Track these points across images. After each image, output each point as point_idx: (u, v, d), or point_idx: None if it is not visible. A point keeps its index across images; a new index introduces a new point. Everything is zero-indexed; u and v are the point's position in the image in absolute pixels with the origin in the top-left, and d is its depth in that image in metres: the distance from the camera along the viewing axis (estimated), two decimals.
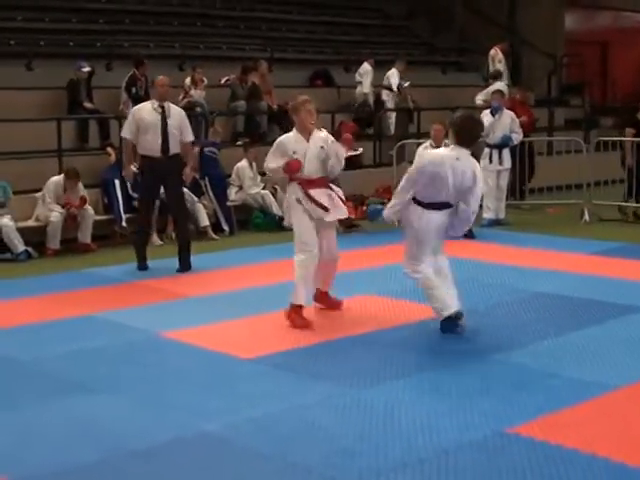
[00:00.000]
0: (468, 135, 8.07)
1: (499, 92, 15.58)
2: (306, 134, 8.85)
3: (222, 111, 16.72)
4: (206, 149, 14.60)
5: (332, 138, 9.01)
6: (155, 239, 13.09)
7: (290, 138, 8.91)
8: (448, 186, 7.97)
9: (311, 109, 8.86)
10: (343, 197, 9.07)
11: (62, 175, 13.03)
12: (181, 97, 16.33)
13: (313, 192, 8.73)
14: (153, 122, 11.05)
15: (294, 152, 8.75)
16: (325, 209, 8.69)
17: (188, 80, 16.57)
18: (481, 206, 14.20)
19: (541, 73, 23.35)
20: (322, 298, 9.18)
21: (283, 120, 16.97)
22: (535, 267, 11.00)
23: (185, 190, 13.69)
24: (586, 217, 14.98)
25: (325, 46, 21.72)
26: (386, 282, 10.34)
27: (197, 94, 16.48)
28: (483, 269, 11.05)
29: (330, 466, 5.29)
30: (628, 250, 12.04)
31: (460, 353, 7.59)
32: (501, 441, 5.64)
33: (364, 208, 15.76)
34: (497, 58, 20.30)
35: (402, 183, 8.26)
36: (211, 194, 14.36)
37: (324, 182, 8.88)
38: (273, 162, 8.87)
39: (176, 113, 11.34)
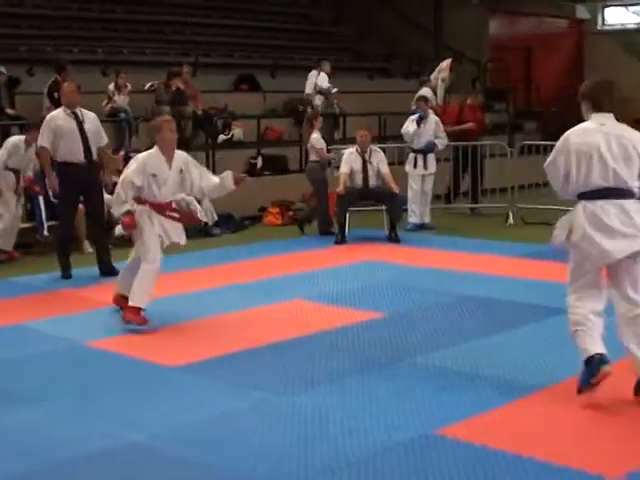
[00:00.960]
0: (604, 95, 6.56)
1: (423, 99, 15.69)
2: (168, 155, 8.71)
3: (146, 117, 16.61)
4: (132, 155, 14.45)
5: (193, 161, 8.95)
6: (86, 246, 12.98)
7: (152, 158, 8.70)
8: (606, 160, 6.30)
9: (174, 129, 8.80)
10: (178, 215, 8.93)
11: (21, 137, 12.88)
12: (105, 103, 16.22)
13: (158, 217, 8.71)
14: (70, 128, 10.89)
15: (154, 175, 8.61)
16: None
17: (112, 85, 16.45)
18: (405, 210, 14.47)
19: (466, 78, 23.54)
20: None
21: (208, 125, 16.96)
22: (460, 270, 11.08)
23: (109, 197, 13.58)
24: (511, 220, 15.14)
25: (251, 51, 21.67)
26: (313, 287, 10.37)
27: (121, 99, 16.37)
28: (408, 273, 11.11)
29: (259, 473, 5.27)
30: (552, 253, 12.11)
31: (385, 357, 7.60)
32: (427, 443, 5.67)
33: (290, 213, 15.80)
34: (442, 75, 20.39)
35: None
36: None
37: (172, 205, 8.79)
38: (122, 199, 8.68)
39: (91, 118, 11.21)
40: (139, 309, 8.66)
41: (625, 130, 6.43)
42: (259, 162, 16.69)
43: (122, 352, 7.85)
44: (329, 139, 17.81)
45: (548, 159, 6.61)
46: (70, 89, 11.23)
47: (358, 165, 13.68)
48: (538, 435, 5.83)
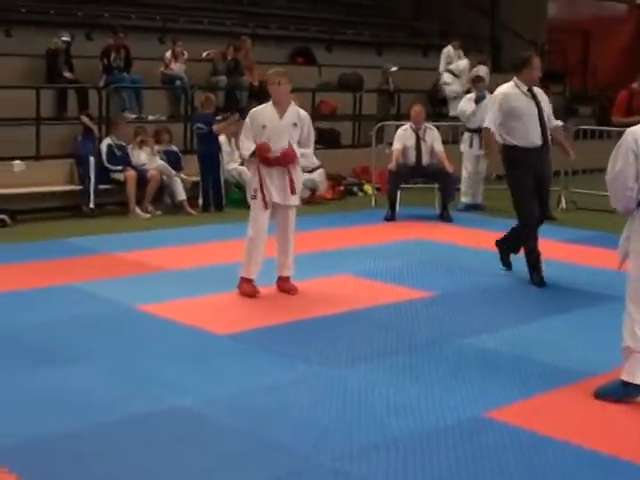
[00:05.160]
0: None
1: (482, 79, 15.48)
2: (280, 108, 8.75)
3: (202, 85, 16.61)
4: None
5: (309, 125, 8.95)
6: (139, 212, 13.13)
7: (262, 111, 8.81)
8: None
9: (280, 82, 8.69)
10: (298, 180, 8.97)
11: None
12: (161, 69, 16.29)
13: (269, 175, 8.68)
14: (527, 108, 9.47)
15: (264, 126, 8.66)
16: (265, 203, 8.71)
17: (169, 53, 16.51)
18: (458, 189, 14.39)
19: None
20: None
21: (263, 96, 16.93)
22: None
23: (162, 163, 13.70)
24: (563, 205, 15.00)
25: (308, 24, 21.60)
26: (362, 262, 10.35)
27: (177, 67, 16.42)
28: (459, 252, 11.06)
29: (304, 445, 5.26)
30: (603, 239, 12.03)
31: (434, 336, 7.58)
32: (476, 426, 5.64)
33: (341, 188, 15.79)
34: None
35: None
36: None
37: (286, 160, 8.74)
38: (246, 146, 8.77)
39: (543, 94, 9.77)
40: (245, 279, 8.80)
41: None
42: None
43: (172, 317, 7.87)
44: (384, 115, 17.81)
45: (611, 168, 6.05)
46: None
47: (412, 142, 13.61)
48: (587, 423, 5.79)
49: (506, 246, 9.98)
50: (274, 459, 5.11)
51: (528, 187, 9.48)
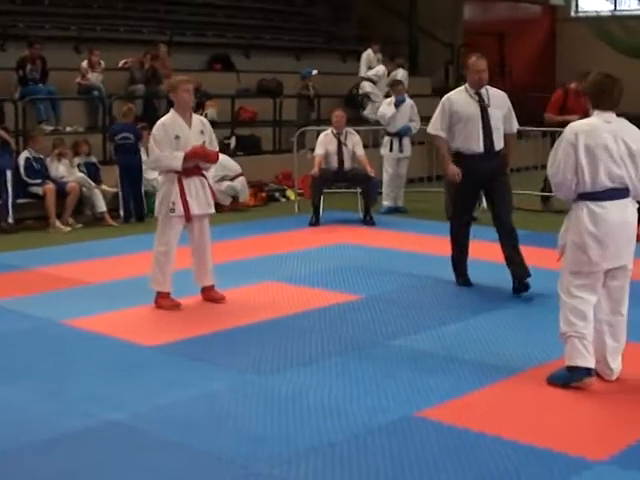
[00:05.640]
0: (609, 95, 6.29)
1: (401, 83, 15.62)
2: (186, 117, 8.65)
3: (120, 95, 16.44)
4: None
5: (209, 123, 8.96)
6: (59, 225, 12.93)
7: (171, 121, 8.61)
8: (614, 158, 6.17)
9: (190, 89, 8.66)
10: (213, 187, 8.97)
11: None
12: (78, 80, 16.09)
13: (187, 187, 8.55)
14: (469, 113, 9.04)
15: (177, 137, 8.52)
16: (187, 216, 8.58)
17: (85, 63, 16.30)
18: (380, 193, 14.44)
19: (439, 62, 23.57)
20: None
21: None
22: (434, 254, 11.06)
23: (81, 175, 13.53)
24: (483, 205, 15.08)
25: (225, 30, 21.50)
26: (288, 268, 10.34)
27: (94, 77, 16.23)
28: (383, 255, 11.10)
29: (240, 454, 5.23)
30: (531, 238, 12.15)
31: (364, 338, 7.60)
32: (409, 425, 5.67)
33: (263, 194, 15.75)
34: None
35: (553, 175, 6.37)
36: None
37: (200, 170, 8.71)
38: (167, 154, 8.48)
39: (499, 97, 9.35)
40: (162, 294, 8.67)
41: (630, 127, 6.33)
42: (232, 142, 16.58)
43: (99, 331, 7.77)
44: (304, 120, 17.80)
45: (553, 160, 6.35)
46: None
47: (333, 147, 13.64)
48: (519, 418, 5.85)
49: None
50: (211, 470, 5.08)
51: (465, 196, 9.49)
